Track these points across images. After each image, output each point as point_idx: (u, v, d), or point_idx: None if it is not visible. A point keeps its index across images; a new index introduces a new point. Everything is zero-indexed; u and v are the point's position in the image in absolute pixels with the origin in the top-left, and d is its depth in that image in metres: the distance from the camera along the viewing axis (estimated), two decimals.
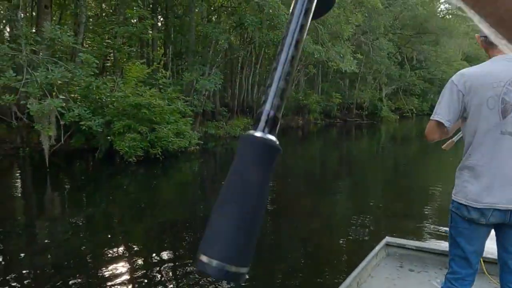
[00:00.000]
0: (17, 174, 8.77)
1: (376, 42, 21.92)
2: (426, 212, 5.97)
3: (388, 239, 3.05)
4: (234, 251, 0.27)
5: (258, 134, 0.30)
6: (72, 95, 8.92)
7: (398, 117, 29.18)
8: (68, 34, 8.55)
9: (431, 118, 1.80)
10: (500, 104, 1.63)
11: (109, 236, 4.82)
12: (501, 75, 1.65)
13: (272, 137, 0.30)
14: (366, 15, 19.93)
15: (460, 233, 1.76)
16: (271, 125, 0.31)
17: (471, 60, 30.46)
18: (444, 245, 2.23)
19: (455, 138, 2.11)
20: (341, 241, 4.77)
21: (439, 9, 32.15)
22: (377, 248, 2.88)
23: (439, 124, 1.75)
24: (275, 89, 0.31)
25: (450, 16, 30.32)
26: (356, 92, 26.52)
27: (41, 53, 8.57)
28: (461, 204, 1.72)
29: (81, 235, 4.86)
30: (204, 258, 0.27)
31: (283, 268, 3.93)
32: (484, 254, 2.46)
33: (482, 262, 2.45)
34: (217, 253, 0.26)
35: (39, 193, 7.24)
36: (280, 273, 3.86)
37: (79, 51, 9.52)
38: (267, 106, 0.31)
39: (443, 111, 1.74)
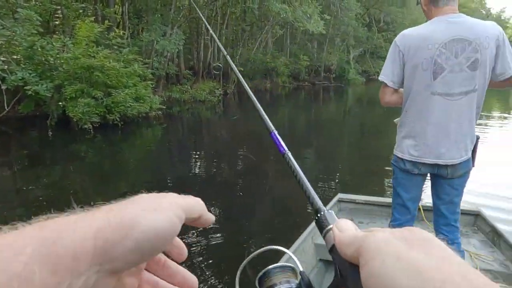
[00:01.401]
0: None
1: (344, 2, 21.49)
2: (382, 169, 6.15)
3: (340, 195, 3.18)
4: None
5: None
6: (15, 57, 8.09)
7: (365, 80, 29.55)
8: None
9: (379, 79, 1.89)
10: (432, 66, 1.70)
11: (66, 209, 4.55)
12: (438, 36, 1.69)
13: None
14: None
15: (399, 183, 1.95)
16: None
17: None
18: (389, 198, 2.35)
19: None
20: (300, 201, 4.81)
21: None
22: (330, 204, 3.01)
23: (386, 84, 1.84)
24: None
25: None
26: (325, 54, 26.35)
27: None
28: (398, 157, 1.92)
29: (34, 210, 4.56)
30: None
31: (246, 225, 4.02)
32: (424, 203, 2.70)
33: (422, 210, 2.72)
34: None
35: None
36: (242, 229, 3.95)
37: (20, 7, 8.54)
38: None
39: (387, 71, 1.83)
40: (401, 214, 1.97)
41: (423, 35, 1.73)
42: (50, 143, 8.30)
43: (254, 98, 0.71)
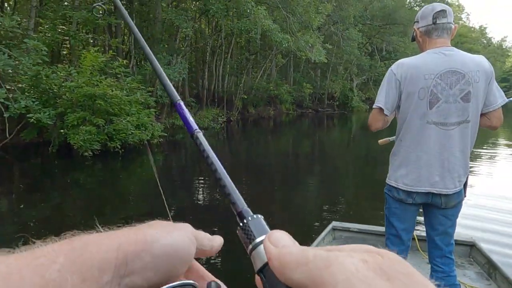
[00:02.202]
0: None
1: (346, 32, 21.98)
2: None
3: (334, 223, 3.13)
4: None
5: None
6: (20, 85, 8.24)
7: (368, 107, 29.68)
8: (13, 18, 7.84)
9: (373, 106, 1.89)
10: (428, 96, 1.74)
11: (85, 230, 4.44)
12: (434, 67, 1.74)
13: None
14: (335, 4, 19.88)
15: (393, 213, 1.92)
16: None
17: None
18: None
19: (391, 138, 2.17)
20: (299, 228, 4.71)
21: (407, 1, 32.74)
22: (324, 232, 2.97)
23: (380, 111, 1.84)
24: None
25: (418, 8, 30.95)
26: (328, 82, 26.67)
27: None
28: (392, 186, 1.90)
29: (32, 234, 4.44)
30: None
31: (234, 253, 3.79)
32: (418, 233, 2.67)
33: (416, 240, 2.67)
34: None
35: None
36: (230, 257, 3.76)
37: (29, 38, 8.81)
38: None
39: (383, 98, 1.83)
40: (395, 245, 1.93)
41: (419, 65, 1.77)
42: (51, 170, 8.27)
43: (153, 57, 0.52)
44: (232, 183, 0.34)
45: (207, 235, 0.36)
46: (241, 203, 0.32)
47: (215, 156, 0.37)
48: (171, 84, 0.47)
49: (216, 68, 19.64)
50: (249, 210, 0.32)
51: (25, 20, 11.67)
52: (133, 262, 0.27)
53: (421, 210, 1.95)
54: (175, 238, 0.31)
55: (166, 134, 11.05)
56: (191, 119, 0.41)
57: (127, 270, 0.27)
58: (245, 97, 20.07)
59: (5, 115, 7.19)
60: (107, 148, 8.77)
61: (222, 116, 17.43)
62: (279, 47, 15.35)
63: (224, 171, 0.35)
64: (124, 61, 9.93)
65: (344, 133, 18.87)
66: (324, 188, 7.24)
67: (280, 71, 26.68)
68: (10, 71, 7.67)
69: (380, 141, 2.40)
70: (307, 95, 25.42)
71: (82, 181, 7.55)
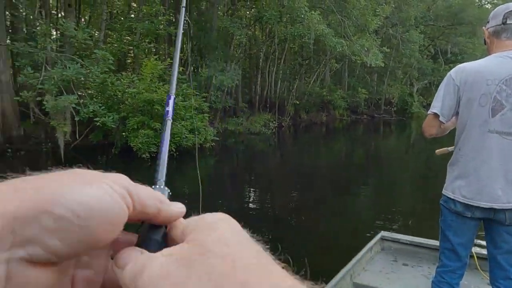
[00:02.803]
0: (35, 169, 9.05)
1: (406, 34, 20.84)
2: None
3: (383, 233, 3.05)
4: None
5: None
6: (90, 92, 9.06)
7: None
8: (86, 31, 8.67)
9: (428, 112, 1.82)
10: (491, 102, 1.62)
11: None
12: (497, 72, 1.62)
13: None
14: (394, 6, 18.96)
15: (449, 225, 1.79)
16: None
17: None
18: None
19: (450, 148, 2.04)
20: (345, 240, 4.56)
21: None
22: (372, 242, 2.87)
23: (435, 117, 1.75)
24: None
25: (489, 6, 28.34)
26: (385, 87, 25.47)
27: (54, 50, 8.73)
28: (449, 198, 1.77)
29: None
30: None
31: (283, 258, 3.86)
32: (478, 250, 2.46)
33: (475, 258, 2.46)
34: None
35: None
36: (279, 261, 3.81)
37: (99, 48, 9.67)
38: None
39: (439, 104, 1.75)
40: (450, 260, 1.80)
41: (482, 70, 1.66)
42: (112, 170, 8.91)
43: None
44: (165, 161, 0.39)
45: (155, 193, 0.28)
46: (162, 175, 0.36)
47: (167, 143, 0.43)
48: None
49: (269, 74, 19.79)
50: (163, 182, 0.34)
51: (97, 32, 12.84)
52: (25, 228, 0.21)
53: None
54: (91, 192, 0.23)
55: (218, 139, 11.37)
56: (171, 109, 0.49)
57: (15, 240, 0.21)
58: (297, 102, 19.93)
59: (76, 119, 7.94)
60: None
61: (274, 122, 17.48)
62: (333, 51, 15.02)
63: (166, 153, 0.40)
64: (181, 69, 10.42)
65: (402, 141, 17.84)
66: (377, 198, 6.93)
67: (334, 76, 26.07)
68: (82, 79, 8.47)
69: (437, 151, 2.25)
70: (362, 100, 24.51)
71: (139, 182, 8.05)
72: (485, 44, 1.82)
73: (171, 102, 0.50)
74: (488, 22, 1.76)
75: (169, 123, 0.46)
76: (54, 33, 11.61)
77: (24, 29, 11.74)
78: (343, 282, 2.33)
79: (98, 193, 0.23)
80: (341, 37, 14.23)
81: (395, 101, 26.57)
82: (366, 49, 14.42)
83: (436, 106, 1.76)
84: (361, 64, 19.78)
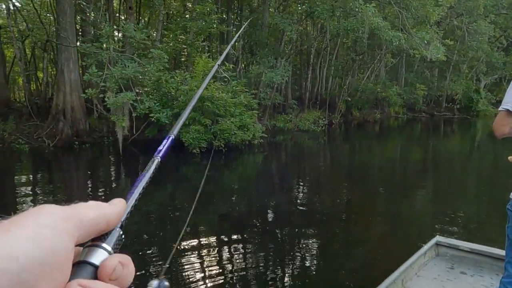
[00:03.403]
0: (98, 161, 9.82)
1: (473, 25, 19.10)
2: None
3: (438, 238, 2.88)
4: None
5: None
6: (146, 89, 9.59)
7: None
8: (143, 32, 9.16)
9: (499, 109, 1.67)
10: None
11: (175, 222, 5.06)
12: None
13: None
14: None
15: None
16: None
17: None
18: (503, 250, 1.94)
19: None
20: (396, 241, 4.37)
21: None
22: (426, 247, 2.73)
23: (508, 113, 1.61)
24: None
25: None
26: (447, 83, 23.64)
27: (116, 51, 9.33)
28: None
29: (152, 221, 5.17)
30: None
31: (333, 259, 3.93)
32: None
33: None
34: None
35: (109, 180, 7.94)
36: (329, 263, 3.86)
37: (155, 48, 10.19)
38: None
39: None
40: None
41: None
42: (166, 164, 9.37)
43: None
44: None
45: (96, 206, 0.27)
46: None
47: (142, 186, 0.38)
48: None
49: (320, 70, 19.37)
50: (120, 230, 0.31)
51: (155, 33, 13.53)
52: None
53: None
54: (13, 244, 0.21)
55: (266, 136, 11.40)
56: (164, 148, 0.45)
57: None
58: (349, 99, 19.27)
59: (133, 114, 8.45)
60: (213, 146, 9.50)
61: (324, 119, 17.10)
62: (389, 45, 14.25)
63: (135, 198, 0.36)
64: (231, 66, 10.60)
65: (466, 141, 16.45)
66: (434, 201, 6.49)
67: (390, 71, 24.77)
68: (139, 77, 8.98)
69: (510, 157, 2.04)
70: (421, 97, 23.00)
71: (190, 176, 8.35)
72: None
73: (167, 142, 0.46)
74: None
75: (156, 161, 0.42)
76: (117, 34, 12.46)
77: (92, 32, 12.76)
78: (393, 287, 2.24)
79: (27, 244, 0.22)
80: (398, 30, 13.45)
81: (458, 98, 24.56)
82: (426, 42, 13.47)
83: (508, 101, 1.61)
84: (420, 58, 18.54)
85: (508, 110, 1.60)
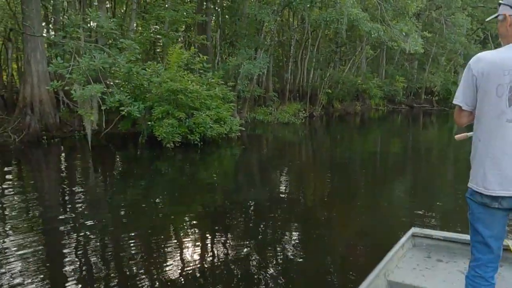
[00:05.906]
0: (67, 156, 9.42)
1: (451, 18, 19.29)
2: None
3: (414, 229, 2.99)
4: None
5: None
6: (117, 81, 9.19)
7: None
8: (113, 21, 8.74)
9: (453, 102, 1.86)
10: (507, 93, 1.63)
11: (150, 218, 4.81)
12: None
13: None
14: None
15: (477, 218, 1.80)
16: None
17: None
18: None
19: (470, 134, 2.06)
20: (379, 233, 4.37)
21: None
22: (403, 239, 2.84)
23: (460, 107, 1.80)
24: None
25: None
26: (426, 75, 23.92)
27: (82, 40, 8.87)
28: (474, 190, 1.77)
29: (122, 216, 4.95)
30: None
31: (314, 253, 3.86)
32: None
33: None
34: None
35: (78, 176, 7.59)
36: (310, 257, 3.79)
37: (127, 38, 9.77)
38: None
39: (460, 94, 1.79)
40: (482, 253, 1.80)
41: (498, 60, 1.67)
42: (140, 159, 9.09)
43: None
44: None
45: None
46: None
47: None
48: None
49: (302, 61, 19.21)
50: None
51: (127, 23, 13.00)
52: None
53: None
54: None
55: (244, 129, 11.18)
56: None
57: None
58: (330, 91, 19.22)
59: (102, 108, 8.08)
60: (188, 141, 9.23)
61: (304, 111, 17.00)
62: (369, 37, 14.20)
63: None
64: (204, 57, 10.29)
65: (444, 132, 16.69)
66: (413, 192, 6.52)
67: (371, 63, 24.85)
68: (108, 68, 8.58)
69: (456, 136, 2.28)
70: (401, 89, 23.19)
71: (164, 171, 8.10)
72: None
73: None
74: (510, 6, 1.71)
75: None
76: (90, 24, 11.90)
77: (62, 22, 12.15)
78: (377, 281, 2.30)
79: None
80: (378, 22, 13.38)
81: (437, 90, 24.92)
82: (404, 34, 13.48)
83: (457, 96, 1.79)
84: (400, 50, 18.63)
85: (459, 105, 1.79)
